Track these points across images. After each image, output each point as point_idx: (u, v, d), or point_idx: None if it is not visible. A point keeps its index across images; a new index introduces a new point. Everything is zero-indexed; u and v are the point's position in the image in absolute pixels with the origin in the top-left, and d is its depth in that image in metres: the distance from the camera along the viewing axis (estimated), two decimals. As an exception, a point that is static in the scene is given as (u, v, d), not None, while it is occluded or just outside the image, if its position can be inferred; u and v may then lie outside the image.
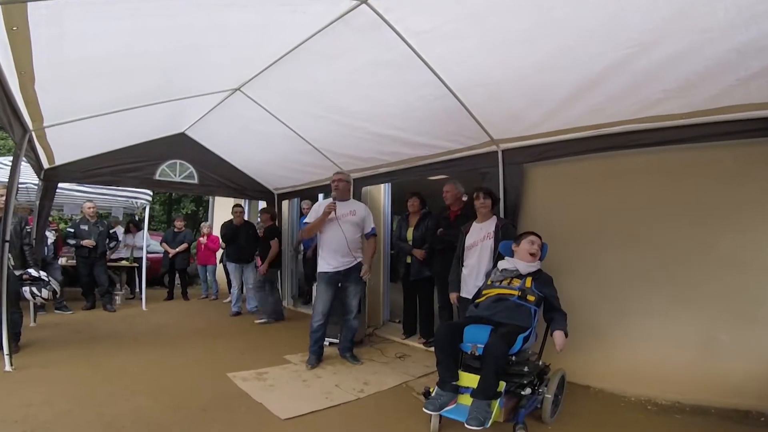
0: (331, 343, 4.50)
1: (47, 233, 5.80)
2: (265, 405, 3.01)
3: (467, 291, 3.45)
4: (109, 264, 7.02)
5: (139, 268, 7.37)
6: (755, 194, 2.90)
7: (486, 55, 2.85)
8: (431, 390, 2.63)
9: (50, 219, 6.29)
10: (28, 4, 2.11)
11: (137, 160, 5.81)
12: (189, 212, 15.51)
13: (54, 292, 4.16)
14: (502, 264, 3.07)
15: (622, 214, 3.41)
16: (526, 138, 3.65)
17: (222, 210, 9.86)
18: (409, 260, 4.90)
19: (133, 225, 8.41)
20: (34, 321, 5.22)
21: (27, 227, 4.41)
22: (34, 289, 4.04)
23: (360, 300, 4.26)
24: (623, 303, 3.37)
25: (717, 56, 2.31)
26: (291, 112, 4.44)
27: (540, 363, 2.87)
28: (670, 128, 2.94)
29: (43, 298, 4.14)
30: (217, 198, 10.94)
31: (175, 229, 8.25)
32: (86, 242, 6.39)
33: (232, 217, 6.49)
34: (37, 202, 5.21)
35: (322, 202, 4.16)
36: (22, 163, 3.95)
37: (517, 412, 2.59)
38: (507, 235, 3.30)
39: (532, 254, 2.97)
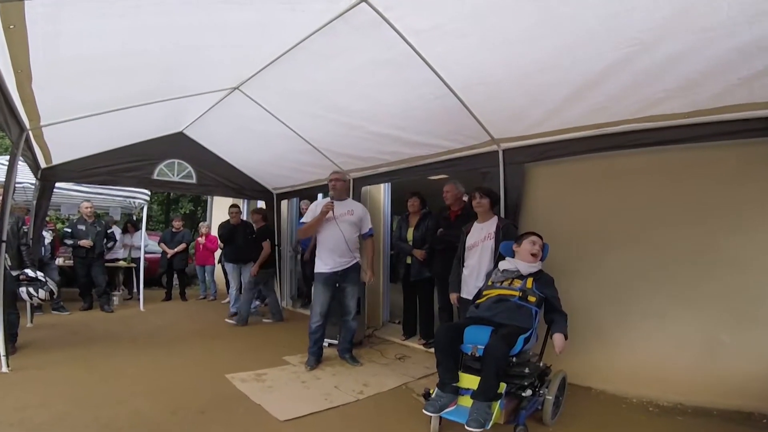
0: (330, 344, 4.50)
1: (44, 233, 5.80)
2: (264, 406, 3.01)
3: (468, 291, 3.45)
4: (105, 264, 7.02)
5: (137, 269, 7.37)
6: (757, 194, 2.90)
7: (487, 54, 2.85)
8: (431, 391, 2.63)
9: (47, 219, 6.31)
10: (25, 2, 2.11)
11: (135, 159, 5.80)
12: (187, 212, 15.50)
13: (51, 292, 4.17)
14: (502, 264, 3.07)
15: (623, 214, 3.41)
16: (527, 137, 3.65)
17: (220, 210, 9.86)
18: (409, 261, 4.90)
19: (130, 225, 8.41)
20: (31, 322, 5.21)
21: (24, 227, 4.41)
22: (31, 290, 4.04)
23: (359, 301, 4.26)
24: (624, 304, 3.37)
25: (719, 55, 2.30)
26: (290, 111, 4.44)
27: (541, 364, 2.87)
28: (671, 128, 2.93)
29: (40, 299, 4.14)
30: (215, 198, 10.94)
31: (173, 229, 8.25)
32: (83, 242, 6.38)
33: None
34: (34, 202, 5.21)
35: (319, 202, 4.15)
36: (19, 162, 3.96)
37: (518, 413, 2.59)
38: (508, 236, 3.29)
39: (533, 255, 2.97)
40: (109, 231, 6.88)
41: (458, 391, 2.57)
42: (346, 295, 4.09)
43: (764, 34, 2.10)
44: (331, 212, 3.89)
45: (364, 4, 2.60)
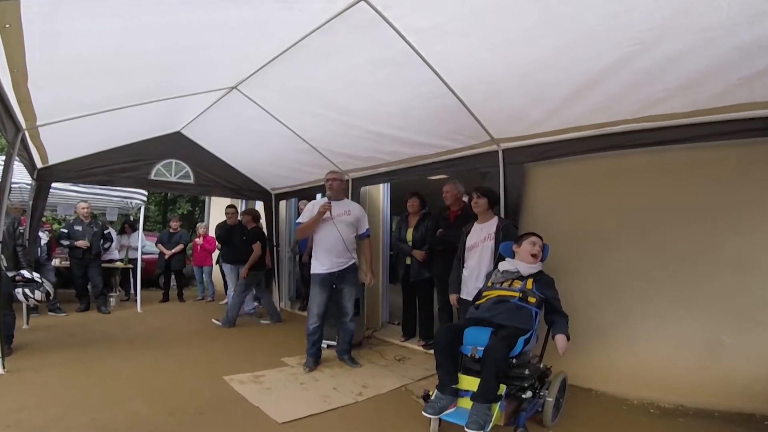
0: (329, 346, 4.50)
1: (40, 234, 5.79)
2: (262, 408, 3.01)
3: (467, 292, 3.45)
4: (102, 265, 7.02)
5: (134, 270, 7.37)
6: (758, 194, 2.91)
7: (486, 54, 2.85)
8: (431, 393, 2.64)
9: (43, 219, 6.30)
10: (21, 1, 2.11)
11: (132, 159, 5.79)
12: (185, 212, 15.49)
13: (47, 293, 4.16)
14: (502, 265, 3.07)
15: (623, 214, 3.42)
16: (527, 137, 3.66)
17: (218, 210, 9.81)
18: (408, 261, 4.91)
19: (128, 226, 8.40)
20: (27, 323, 5.21)
21: (20, 228, 4.41)
22: (27, 291, 4.04)
23: (357, 302, 4.26)
24: (625, 304, 3.38)
25: (719, 55, 2.31)
26: (288, 110, 4.44)
27: (541, 366, 2.87)
28: (672, 127, 2.94)
29: (36, 300, 4.14)
30: (213, 198, 10.93)
31: (171, 230, 8.26)
32: (80, 243, 6.38)
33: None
34: (30, 203, 5.20)
35: (316, 202, 4.15)
36: (15, 162, 3.95)
37: (518, 415, 2.59)
38: (508, 236, 3.29)
39: (533, 255, 2.97)
40: (105, 231, 6.87)
41: (458, 393, 2.58)
42: (344, 296, 4.09)
43: (764, 34, 2.10)
44: (328, 212, 3.89)
45: (363, 2, 2.60)
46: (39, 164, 5.11)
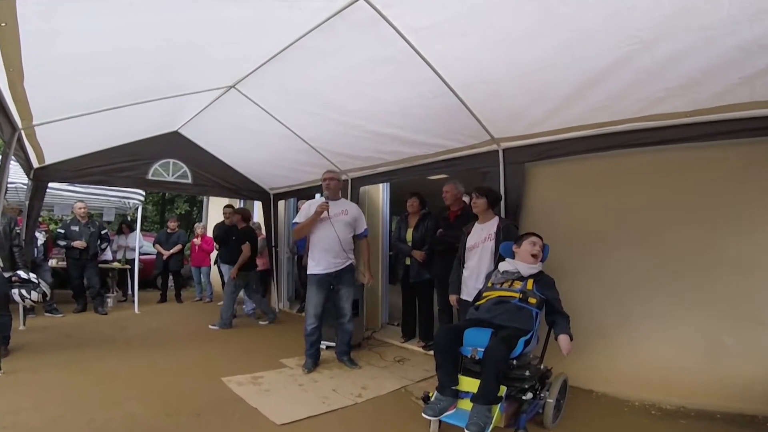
0: (328, 347, 4.50)
1: (37, 234, 5.79)
2: (261, 410, 3.01)
3: (467, 293, 3.45)
4: (100, 266, 7.02)
5: (132, 270, 7.36)
6: (759, 194, 2.91)
7: (487, 53, 2.86)
8: (431, 394, 2.64)
9: (40, 220, 6.29)
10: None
11: (129, 159, 5.80)
12: (183, 213, 15.51)
13: (44, 294, 4.16)
14: (502, 266, 3.07)
15: (624, 214, 3.42)
16: (528, 137, 3.66)
17: (216, 210, 9.83)
18: (408, 262, 4.91)
19: (125, 226, 8.40)
20: (24, 324, 5.20)
21: (16, 228, 4.40)
22: (24, 292, 4.04)
23: (356, 303, 4.26)
24: (626, 305, 3.38)
25: (720, 54, 2.32)
26: (287, 110, 4.44)
27: (542, 367, 2.88)
28: (673, 127, 2.95)
29: (32, 301, 4.14)
30: (211, 198, 10.93)
31: (169, 230, 8.25)
32: (77, 243, 6.38)
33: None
34: (27, 203, 5.20)
35: (313, 202, 4.14)
36: (11, 162, 3.95)
37: (519, 417, 2.59)
38: (509, 237, 3.29)
39: (533, 255, 2.97)
40: (103, 232, 6.87)
41: (458, 395, 2.58)
42: (341, 297, 4.08)
43: (765, 33, 2.11)
44: (325, 212, 3.89)
45: (362, 1, 2.61)
46: (35, 164, 5.11)
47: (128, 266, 7.80)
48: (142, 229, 7.63)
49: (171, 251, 7.95)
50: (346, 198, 5.36)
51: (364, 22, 2.76)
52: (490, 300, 2.94)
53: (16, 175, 5.61)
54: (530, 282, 2.91)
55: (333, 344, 4.43)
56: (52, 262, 6.93)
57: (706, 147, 2.98)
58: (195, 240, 8.33)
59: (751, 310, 2.91)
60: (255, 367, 3.96)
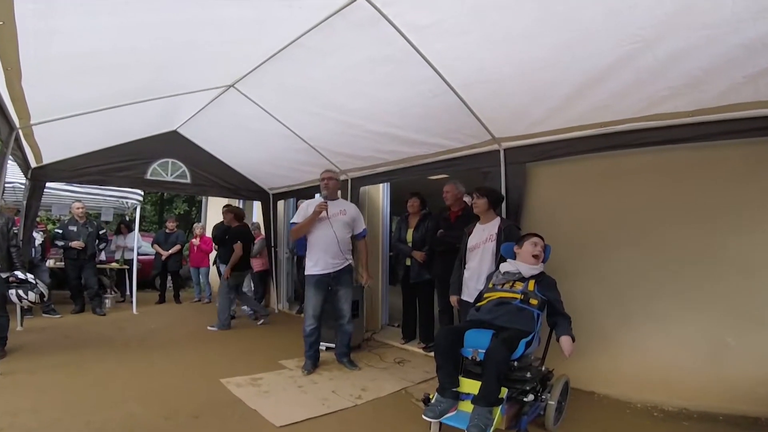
0: (327, 348, 4.50)
1: (35, 234, 5.80)
2: (260, 412, 3.01)
3: (468, 294, 3.45)
4: (98, 266, 7.02)
5: (130, 271, 7.36)
6: (763, 194, 2.90)
7: (487, 51, 2.86)
8: (431, 396, 2.63)
9: (38, 219, 6.29)
10: (15, -3, 2.12)
11: (128, 158, 5.79)
12: (181, 213, 15.49)
13: (41, 295, 4.17)
14: (504, 267, 3.06)
15: (626, 214, 3.42)
16: (529, 137, 3.65)
17: (215, 211, 9.84)
18: (408, 262, 4.91)
19: (124, 226, 8.40)
20: (21, 325, 5.20)
21: (14, 228, 4.40)
22: (21, 292, 4.04)
23: (356, 304, 4.25)
24: (629, 306, 3.38)
25: (723, 52, 2.31)
26: (286, 109, 4.44)
27: (543, 368, 2.87)
28: (675, 126, 2.94)
29: (30, 302, 4.15)
30: (210, 198, 10.94)
31: (167, 230, 8.25)
32: (75, 244, 6.38)
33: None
34: (24, 202, 5.20)
35: (310, 202, 4.14)
36: (9, 161, 3.95)
37: (520, 419, 2.58)
38: (510, 238, 3.27)
39: (535, 256, 2.96)
40: (101, 232, 6.87)
41: (458, 396, 2.57)
42: (339, 298, 4.07)
43: (770, 31, 2.10)
44: (324, 212, 3.88)
45: (362, 0, 2.60)
46: (33, 163, 5.11)
47: (126, 266, 7.80)
48: (140, 230, 7.62)
49: (169, 252, 7.95)
50: (346, 198, 5.39)
51: (364, 21, 2.77)
52: (491, 301, 2.93)
53: (14, 174, 5.60)
54: (531, 283, 2.91)
55: (332, 345, 4.42)
56: (50, 263, 6.94)
57: (707, 147, 2.98)
58: (194, 240, 8.32)
59: (753, 311, 2.91)
60: (254, 368, 3.96)
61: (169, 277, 8.32)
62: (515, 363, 2.58)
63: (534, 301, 2.82)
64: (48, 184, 5.46)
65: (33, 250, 5.92)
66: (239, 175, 6.86)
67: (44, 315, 6.06)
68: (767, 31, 2.10)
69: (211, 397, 3.27)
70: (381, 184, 5.80)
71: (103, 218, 8.51)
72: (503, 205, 3.77)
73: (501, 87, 3.16)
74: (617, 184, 3.48)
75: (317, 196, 4.59)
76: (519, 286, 2.92)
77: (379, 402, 3.32)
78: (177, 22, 2.76)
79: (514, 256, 3.10)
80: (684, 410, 3.05)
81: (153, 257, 8.39)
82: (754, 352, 2.89)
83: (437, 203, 4.92)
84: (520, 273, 2.96)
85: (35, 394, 3.16)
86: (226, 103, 4.48)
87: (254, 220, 8.29)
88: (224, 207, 6.64)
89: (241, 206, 8.06)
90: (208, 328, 5.75)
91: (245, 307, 6.78)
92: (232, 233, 6.01)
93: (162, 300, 8.00)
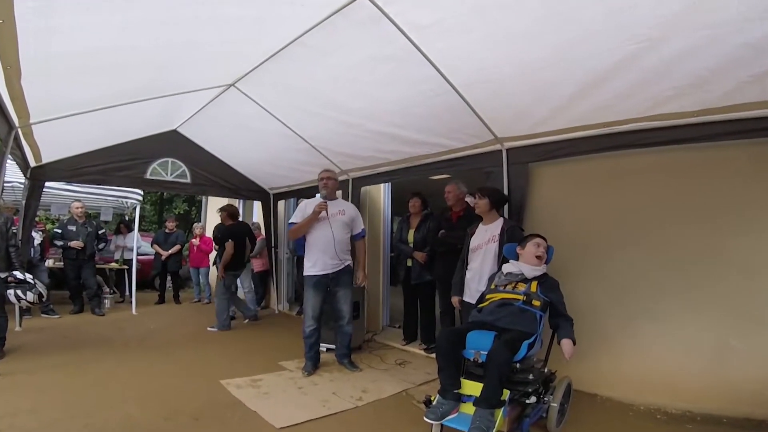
0: (328, 349, 4.50)
1: (33, 234, 5.80)
2: (260, 413, 3.01)
3: (470, 295, 3.44)
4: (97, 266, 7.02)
5: (129, 271, 7.37)
6: (767, 194, 2.89)
7: (489, 51, 2.85)
8: (432, 398, 2.62)
9: (37, 219, 6.30)
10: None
11: (127, 158, 5.79)
12: (181, 212, 15.52)
13: (40, 295, 4.17)
14: (506, 267, 3.05)
15: (630, 215, 3.41)
16: (532, 136, 3.65)
17: (215, 210, 9.86)
18: (409, 263, 4.90)
19: (123, 226, 8.41)
20: (20, 325, 5.21)
21: (12, 227, 4.40)
22: (20, 292, 4.05)
23: (357, 305, 4.24)
24: (631, 307, 3.37)
25: (729, 52, 2.31)
26: (287, 108, 4.44)
27: (545, 370, 2.86)
28: (680, 127, 2.93)
29: (28, 302, 4.15)
30: (210, 198, 10.94)
31: (167, 230, 8.26)
32: (74, 243, 6.39)
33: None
34: (24, 202, 5.20)
35: (309, 201, 4.14)
36: (8, 160, 3.96)
37: (522, 421, 2.58)
38: (513, 239, 3.26)
39: (538, 257, 2.96)
40: (100, 232, 6.88)
41: (460, 398, 2.56)
42: (339, 299, 4.07)
43: (776, 30, 2.10)
44: (324, 212, 3.88)
45: (364, -2, 2.61)
46: (32, 163, 5.11)
47: (126, 267, 7.81)
48: (139, 229, 7.63)
49: (169, 252, 7.96)
50: (347, 198, 5.39)
51: (366, 20, 2.76)
52: (493, 302, 2.92)
53: (13, 173, 5.61)
54: (534, 284, 2.90)
55: (333, 347, 4.42)
56: (49, 263, 6.95)
57: (712, 147, 2.97)
58: (193, 240, 8.32)
59: (757, 312, 2.90)
60: (254, 369, 3.96)
61: (169, 278, 8.32)
62: (517, 365, 2.57)
63: (537, 303, 2.81)
64: (47, 184, 5.46)
65: (32, 249, 5.93)
66: (239, 175, 6.86)
67: (43, 315, 6.07)
68: (773, 30, 2.10)
69: (211, 398, 3.27)
70: (382, 184, 5.80)
71: (102, 218, 8.54)
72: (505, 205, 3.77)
73: (503, 86, 3.15)
74: (620, 184, 3.47)
75: (317, 195, 4.61)
76: (521, 287, 2.91)
77: (380, 404, 3.32)
78: (178, 20, 2.76)
79: (516, 257, 3.09)
80: (687, 413, 3.04)
81: (152, 257, 8.40)
82: (758, 353, 2.88)
83: (439, 203, 4.91)
84: (522, 274, 2.95)
85: (34, 394, 3.16)
86: (226, 102, 4.48)
87: (254, 220, 8.29)
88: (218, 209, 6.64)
89: (239, 206, 8.08)
90: (208, 329, 5.75)
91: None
92: (224, 232, 5.99)
93: (161, 300, 8.01)
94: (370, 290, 5.53)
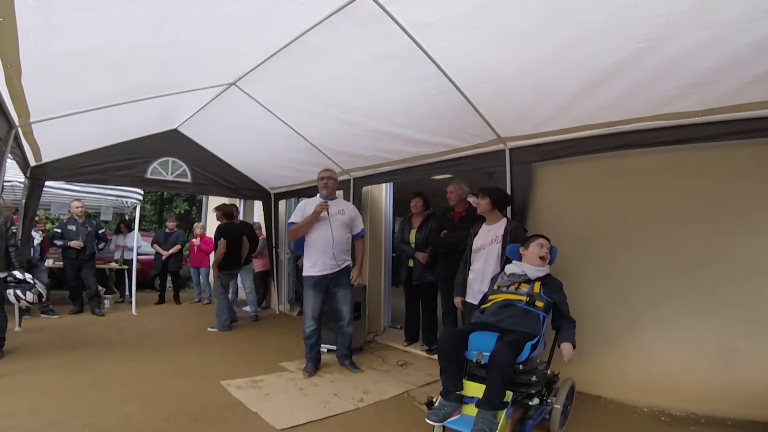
0: (329, 350, 4.50)
1: (33, 233, 5.81)
2: (260, 414, 3.01)
3: (472, 296, 3.43)
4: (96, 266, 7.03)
5: (129, 271, 7.37)
6: (773, 195, 2.89)
7: (492, 49, 2.85)
8: (434, 400, 2.62)
9: (36, 219, 6.31)
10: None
11: (127, 157, 5.80)
12: (181, 212, 15.53)
13: (40, 295, 4.17)
14: (509, 268, 3.05)
15: (634, 216, 3.41)
16: (535, 136, 3.65)
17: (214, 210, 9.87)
18: (411, 264, 4.89)
19: (124, 225, 8.42)
20: (19, 325, 5.22)
21: (12, 227, 4.41)
22: (19, 292, 4.05)
23: (358, 305, 4.23)
24: (636, 309, 3.36)
25: (733, 51, 2.30)
26: (288, 107, 4.44)
27: (548, 372, 2.86)
28: (684, 126, 2.93)
29: (28, 302, 4.15)
30: (211, 198, 10.95)
31: (167, 230, 8.26)
32: (74, 243, 6.40)
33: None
34: (23, 201, 5.21)
35: (308, 201, 4.14)
36: (8, 159, 3.96)
37: (525, 423, 2.58)
38: (517, 239, 3.25)
39: (541, 258, 2.95)
40: (100, 231, 6.89)
41: (462, 400, 2.57)
42: (339, 300, 4.07)
43: (781, 30, 2.09)
44: (325, 212, 3.88)
45: (365, -3, 2.60)
46: (32, 162, 5.12)
47: (126, 267, 7.81)
48: (140, 229, 7.63)
49: (169, 252, 7.96)
50: (348, 198, 5.40)
51: (368, 18, 2.76)
52: (495, 303, 2.92)
53: (13, 173, 5.62)
54: (537, 285, 2.89)
55: (334, 348, 4.42)
56: (49, 262, 6.95)
57: (716, 147, 2.96)
58: (194, 240, 8.32)
59: (762, 314, 2.89)
60: (255, 370, 3.96)
61: (169, 278, 8.32)
62: (520, 366, 2.57)
63: (540, 304, 2.81)
64: (47, 183, 5.46)
65: (31, 249, 5.94)
66: (240, 175, 6.86)
67: (42, 315, 6.08)
68: (778, 30, 2.10)
69: (211, 399, 3.27)
70: (384, 184, 5.80)
71: (102, 217, 8.55)
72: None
73: (506, 85, 3.15)
74: (624, 184, 3.47)
75: (317, 196, 4.61)
76: (524, 288, 2.91)
77: (382, 405, 3.32)
78: (179, 19, 2.76)
79: (519, 258, 3.09)
80: (692, 414, 3.04)
81: (153, 257, 8.40)
82: (763, 355, 2.87)
83: (441, 204, 4.91)
84: (525, 275, 2.95)
85: (33, 395, 3.17)
86: (227, 101, 4.48)
87: (255, 219, 8.30)
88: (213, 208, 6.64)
89: (241, 206, 8.08)
90: (208, 329, 5.75)
91: (246, 308, 6.78)
92: (217, 231, 5.98)
93: (161, 300, 8.01)
94: (371, 291, 5.52)
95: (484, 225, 3.55)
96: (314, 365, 4.01)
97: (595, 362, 3.36)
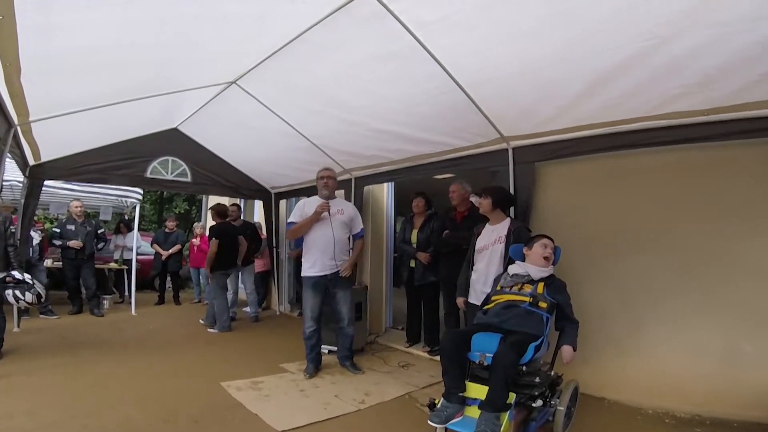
0: (330, 351, 4.50)
1: (32, 233, 5.82)
2: (261, 416, 3.01)
3: (475, 296, 3.43)
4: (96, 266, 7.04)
5: (129, 271, 7.38)
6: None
7: (495, 48, 2.84)
8: (436, 401, 2.62)
9: (35, 218, 6.32)
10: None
11: (127, 156, 5.80)
12: (181, 212, 15.55)
13: (38, 295, 4.17)
14: (512, 269, 3.04)
15: (638, 215, 3.40)
16: (538, 135, 3.64)
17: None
18: (413, 264, 4.89)
19: (123, 225, 8.42)
20: (18, 326, 5.23)
21: (11, 227, 4.41)
22: (18, 293, 4.05)
23: (360, 306, 4.22)
24: (640, 310, 3.36)
25: (739, 50, 2.29)
26: (289, 106, 4.44)
27: (552, 373, 2.86)
28: (688, 126, 2.92)
29: (26, 302, 4.15)
30: (211, 197, 10.95)
31: (167, 230, 8.26)
32: (73, 243, 6.41)
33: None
34: (22, 201, 5.22)
35: (307, 201, 4.14)
36: (7, 159, 3.96)
37: (528, 425, 2.58)
38: (520, 240, 3.23)
39: (545, 258, 2.94)
40: (99, 231, 6.89)
41: (465, 401, 2.56)
42: (338, 301, 4.07)
43: (788, 28, 2.09)
44: (326, 212, 3.88)
45: (367, -5, 2.60)
46: (31, 161, 5.12)
47: (125, 267, 7.82)
48: (139, 229, 7.64)
49: (169, 252, 7.96)
50: (350, 198, 5.40)
51: (369, 17, 2.76)
52: (498, 304, 2.91)
53: (12, 172, 5.63)
54: (541, 285, 2.89)
55: (335, 349, 4.42)
56: (48, 263, 6.95)
57: (721, 146, 2.95)
58: (194, 240, 8.32)
59: (767, 315, 2.88)
60: (255, 371, 3.96)
61: (169, 278, 8.32)
62: (524, 368, 2.56)
63: (543, 304, 2.80)
64: (46, 183, 5.47)
65: (30, 249, 5.95)
66: (241, 174, 6.86)
67: (41, 316, 6.09)
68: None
69: (211, 400, 3.27)
70: (385, 184, 5.80)
71: (101, 217, 8.56)
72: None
73: (509, 84, 3.14)
74: (626, 184, 3.46)
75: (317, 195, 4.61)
76: (528, 288, 2.90)
77: (383, 407, 3.32)
78: (179, 18, 2.76)
79: (523, 258, 3.08)
80: (696, 417, 3.03)
81: (152, 257, 8.40)
82: (768, 356, 2.87)
83: (443, 203, 4.90)
84: (529, 275, 2.94)
85: (32, 396, 3.17)
86: (227, 100, 4.49)
87: (256, 219, 8.30)
88: (231, 206, 6.65)
89: (242, 205, 8.08)
90: (209, 330, 5.75)
91: (247, 309, 6.78)
92: (209, 230, 5.96)
93: (161, 301, 8.02)
94: (372, 291, 5.52)
95: (487, 225, 3.54)
96: (315, 366, 4.01)
97: (598, 363, 3.36)
